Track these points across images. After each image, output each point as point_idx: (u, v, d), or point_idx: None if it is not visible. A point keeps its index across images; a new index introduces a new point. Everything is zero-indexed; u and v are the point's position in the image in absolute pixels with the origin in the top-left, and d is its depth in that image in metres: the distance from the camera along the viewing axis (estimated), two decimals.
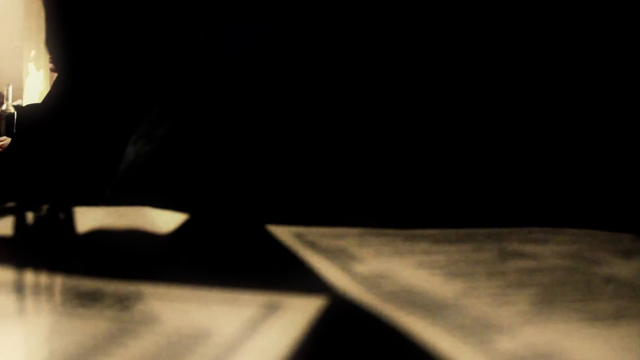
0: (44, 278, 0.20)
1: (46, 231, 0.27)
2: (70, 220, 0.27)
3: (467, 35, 0.51)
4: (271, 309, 0.17)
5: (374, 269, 0.22)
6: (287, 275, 0.22)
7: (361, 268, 0.22)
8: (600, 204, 0.48)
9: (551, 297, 0.20)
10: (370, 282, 0.20)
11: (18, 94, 2.97)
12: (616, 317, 0.17)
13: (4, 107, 2.46)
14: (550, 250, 0.28)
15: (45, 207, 0.27)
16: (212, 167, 0.48)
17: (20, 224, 0.26)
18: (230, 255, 0.27)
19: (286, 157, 0.49)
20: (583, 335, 0.16)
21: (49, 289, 0.18)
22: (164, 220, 0.31)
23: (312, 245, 0.25)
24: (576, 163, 0.55)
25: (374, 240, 0.27)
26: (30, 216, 0.26)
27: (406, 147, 0.52)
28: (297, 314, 0.16)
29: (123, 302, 0.17)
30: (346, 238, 0.27)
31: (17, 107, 2.43)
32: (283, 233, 0.27)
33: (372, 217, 0.38)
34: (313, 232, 0.28)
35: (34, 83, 2.82)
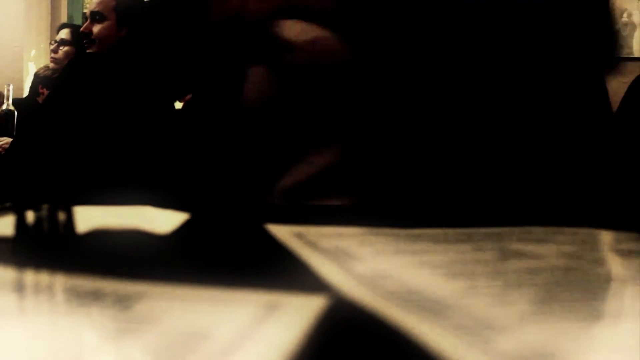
0: (44, 278, 0.20)
1: (46, 231, 0.27)
2: (70, 220, 0.27)
3: (463, 35, 0.50)
4: (271, 309, 0.17)
5: (374, 269, 0.22)
6: (287, 275, 0.22)
7: (361, 268, 0.22)
8: (601, 204, 0.48)
9: (551, 297, 0.20)
10: (371, 281, 0.20)
11: (18, 93, 2.97)
12: (616, 317, 0.17)
13: (4, 107, 2.46)
14: (550, 250, 0.28)
15: (45, 207, 0.27)
16: (213, 166, 0.48)
17: (20, 224, 0.26)
18: (230, 254, 0.27)
19: (286, 156, 0.49)
20: (583, 335, 0.16)
21: (49, 289, 0.18)
22: (164, 220, 0.31)
23: (312, 245, 0.25)
24: (577, 162, 0.55)
25: (374, 240, 0.27)
26: (30, 216, 0.26)
27: (407, 146, 0.52)
28: (297, 313, 0.16)
29: (123, 302, 0.17)
30: (346, 238, 0.27)
31: (16, 102, 2.43)
32: (283, 233, 0.28)
33: (372, 217, 0.38)
34: (313, 232, 0.28)
35: None
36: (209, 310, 0.17)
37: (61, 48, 2.61)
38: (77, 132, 0.48)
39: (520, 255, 0.26)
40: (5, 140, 2.16)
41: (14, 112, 2.41)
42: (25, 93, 3.05)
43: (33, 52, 3.79)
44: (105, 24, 1.71)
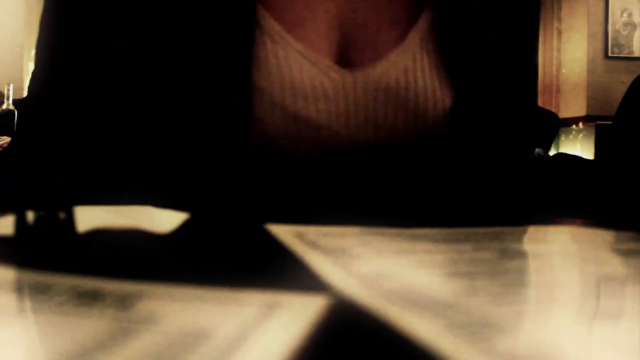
0: (44, 278, 0.20)
1: (46, 231, 0.27)
2: (70, 220, 0.27)
3: None
4: (271, 309, 0.17)
5: (375, 268, 0.22)
6: (287, 274, 0.22)
7: (362, 267, 0.22)
8: (601, 204, 0.48)
9: (551, 297, 0.20)
10: (371, 281, 0.20)
11: (18, 93, 2.97)
12: (616, 317, 0.17)
13: (4, 107, 2.46)
14: (550, 250, 0.28)
15: (45, 207, 0.27)
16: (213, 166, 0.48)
17: (20, 224, 0.26)
18: (230, 254, 0.27)
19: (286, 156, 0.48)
20: (583, 335, 0.16)
21: (49, 289, 0.18)
22: (164, 220, 0.31)
23: (313, 245, 0.25)
24: (577, 162, 0.55)
25: (374, 240, 0.27)
26: (30, 216, 0.26)
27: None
28: (298, 313, 0.16)
29: (123, 302, 0.17)
30: (346, 237, 0.27)
31: (16, 102, 2.43)
32: (283, 232, 0.28)
33: (372, 216, 0.38)
34: (313, 232, 0.28)
35: None
36: (209, 310, 0.17)
37: None
38: (77, 131, 0.48)
39: (520, 255, 0.26)
40: (5, 140, 2.16)
41: (14, 112, 2.41)
42: (25, 93, 3.05)
43: (33, 52, 3.78)
44: None
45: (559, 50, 4.16)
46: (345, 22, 0.47)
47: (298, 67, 0.43)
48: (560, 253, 0.27)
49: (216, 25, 0.43)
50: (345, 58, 0.46)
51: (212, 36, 0.43)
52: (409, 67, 0.45)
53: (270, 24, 0.44)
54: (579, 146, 3.80)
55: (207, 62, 0.43)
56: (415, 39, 0.47)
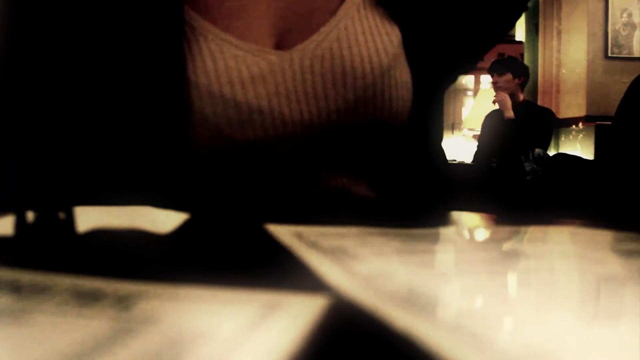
0: (44, 278, 0.20)
1: (46, 231, 0.27)
2: (70, 220, 0.27)
3: None
4: (271, 309, 0.17)
5: (374, 269, 0.22)
6: (287, 274, 0.22)
7: (361, 267, 0.22)
8: (601, 204, 0.48)
9: (551, 297, 0.20)
10: (371, 281, 0.20)
11: None
12: (616, 317, 0.17)
13: None
14: (550, 250, 0.28)
15: (45, 207, 0.27)
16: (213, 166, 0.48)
17: (20, 224, 0.26)
18: (230, 254, 0.27)
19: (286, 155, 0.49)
20: (583, 335, 0.16)
21: (49, 289, 0.18)
22: (164, 220, 0.31)
23: (312, 245, 0.25)
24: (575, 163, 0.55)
25: (374, 240, 0.27)
26: (30, 216, 0.26)
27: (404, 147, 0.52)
28: (297, 313, 0.16)
29: (123, 302, 0.17)
30: (346, 237, 0.27)
31: None
32: (283, 233, 0.28)
33: (372, 216, 0.38)
34: (313, 232, 0.28)
35: None
36: (209, 310, 0.17)
37: None
38: (77, 130, 0.48)
39: (520, 255, 0.26)
40: None
41: None
42: None
43: None
44: None
45: (559, 50, 4.16)
46: (280, 8, 0.48)
47: (233, 58, 0.44)
48: (560, 253, 0.27)
49: (146, 31, 0.44)
50: (284, 42, 0.47)
51: (144, 42, 0.44)
52: (341, 36, 0.47)
53: (201, 24, 0.45)
54: (578, 146, 3.81)
55: (141, 67, 0.44)
56: (349, 8, 0.48)
